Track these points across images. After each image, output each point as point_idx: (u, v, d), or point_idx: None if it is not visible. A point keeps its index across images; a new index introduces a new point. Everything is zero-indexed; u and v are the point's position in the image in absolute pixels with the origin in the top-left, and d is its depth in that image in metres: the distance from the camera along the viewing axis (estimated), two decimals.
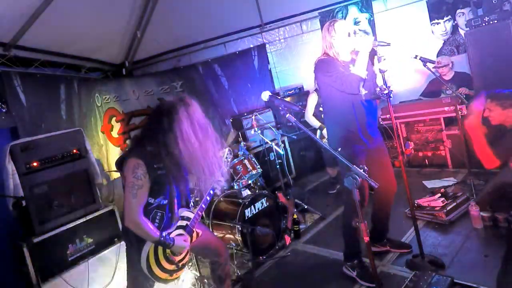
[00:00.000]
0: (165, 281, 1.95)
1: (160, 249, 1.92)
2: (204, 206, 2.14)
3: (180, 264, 2.02)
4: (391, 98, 2.56)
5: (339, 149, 2.44)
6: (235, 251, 3.17)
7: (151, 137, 1.89)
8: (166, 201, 1.95)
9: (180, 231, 2.01)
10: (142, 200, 1.83)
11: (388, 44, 2.46)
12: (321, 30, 5.32)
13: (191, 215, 2.08)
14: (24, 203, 2.79)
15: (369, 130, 2.59)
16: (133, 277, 1.99)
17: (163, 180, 1.91)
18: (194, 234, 2.09)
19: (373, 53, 2.57)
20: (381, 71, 2.54)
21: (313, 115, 4.25)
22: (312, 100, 4.25)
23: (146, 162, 1.83)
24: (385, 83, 2.58)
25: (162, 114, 1.88)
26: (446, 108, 4.28)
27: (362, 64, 2.42)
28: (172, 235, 1.92)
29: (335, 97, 2.54)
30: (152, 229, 1.84)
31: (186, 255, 2.06)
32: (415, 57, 3.29)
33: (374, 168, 2.57)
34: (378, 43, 2.42)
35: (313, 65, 2.62)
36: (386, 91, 2.51)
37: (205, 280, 2.82)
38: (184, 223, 2.04)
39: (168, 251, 1.95)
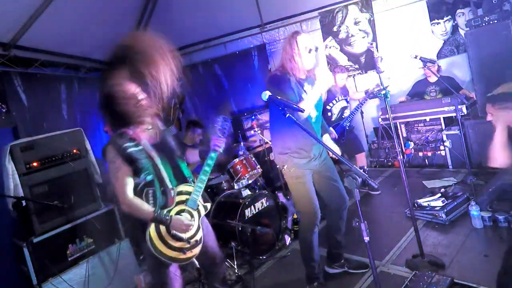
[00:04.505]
0: (178, 260, 1.91)
1: (163, 229, 1.88)
2: (204, 178, 2.01)
3: (192, 240, 1.95)
4: (388, 98, 2.56)
5: (285, 167, 2.41)
6: (235, 251, 3.17)
7: (112, 120, 1.94)
8: (151, 176, 1.91)
9: (181, 206, 1.96)
10: (125, 181, 1.85)
11: (344, 70, 2.27)
12: (321, 30, 5.40)
13: (191, 189, 2.01)
14: (24, 203, 2.79)
15: (315, 149, 2.43)
16: (148, 256, 1.96)
17: (138, 156, 1.88)
18: (201, 208, 2.03)
19: (371, 55, 2.56)
20: (378, 72, 2.55)
21: None
22: None
23: (114, 144, 1.87)
24: (381, 83, 2.59)
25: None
26: (446, 108, 4.28)
27: (313, 99, 2.26)
28: (173, 212, 1.90)
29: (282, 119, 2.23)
30: (146, 206, 1.85)
31: (198, 231, 2.00)
32: (415, 57, 3.31)
33: (324, 184, 2.53)
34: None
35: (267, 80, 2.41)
36: (383, 92, 2.51)
37: (205, 281, 2.82)
38: (184, 197, 1.98)
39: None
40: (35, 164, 2.90)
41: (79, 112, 4.54)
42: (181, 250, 1.92)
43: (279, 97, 2.07)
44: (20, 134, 3.57)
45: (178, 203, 1.96)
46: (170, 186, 1.96)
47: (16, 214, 2.85)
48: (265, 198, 3.43)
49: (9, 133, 3.57)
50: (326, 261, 2.80)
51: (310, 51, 2.32)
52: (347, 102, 4.30)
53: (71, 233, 3.01)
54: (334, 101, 4.22)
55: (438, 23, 4.82)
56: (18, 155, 2.82)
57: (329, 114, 4.21)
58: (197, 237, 2.00)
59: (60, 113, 4.29)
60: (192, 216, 1.99)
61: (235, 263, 3.04)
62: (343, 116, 4.23)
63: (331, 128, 3.99)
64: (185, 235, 1.93)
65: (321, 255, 2.88)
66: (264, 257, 3.21)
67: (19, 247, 2.78)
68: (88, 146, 3.34)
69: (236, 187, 3.55)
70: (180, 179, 2.03)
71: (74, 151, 3.18)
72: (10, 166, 2.80)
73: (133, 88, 1.91)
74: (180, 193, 1.99)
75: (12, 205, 2.84)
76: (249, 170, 3.60)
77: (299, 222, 2.73)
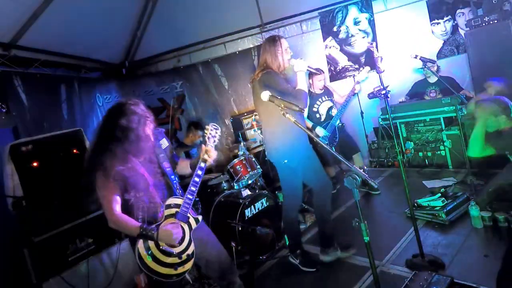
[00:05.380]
0: (169, 276, 1.87)
1: (152, 244, 1.86)
2: (193, 189, 2.01)
3: (183, 255, 1.92)
4: (388, 98, 2.57)
5: (285, 161, 2.70)
6: (235, 251, 3.17)
7: (105, 141, 1.92)
8: (142, 192, 1.90)
9: (171, 220, 1.93)
10: (112, 198, 1.83)
11: (320, 72, 2.87)
12: (321, 30, 5.39)
13: (180, 201, 1.98)
14: (24, 203, 2.79)
15: (306, 139, 2.80)
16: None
17: (125, 175, 1.87)
18: (192, 220, 2.01)
19: (371, 55, 2.66)
20: (378, 72, 2.55)
21: (307, 116, 4.28)
22: None
23: (102, 165, 1.85)
24: (382, 83, 2.59)
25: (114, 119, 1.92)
26: (446, 108, 4.28)
27: (304, 81, 2.68)
28: (162, 226, 1.88)
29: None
30: (133, 223, 1.83)
31: (189, 245, 1.97)
32: (415, 57, 3.31)
33: (310, 172, 2.84)
34: (309, 68, 2.70)
35: (255, 80, 2.67)
36: (383, 91, 2.52)
37: (205, 280, 2.82)
38: (173, 210, 1.95)
39: (162, 243, 1.88)
40: (35, 164, 2.90)
41: (79, 112, 4.54)
42: (172, 266, 1.88)
43: (279, 97, 2.08)
44: (20, 134, 3.58)
45: (167, 216, 1.93)
46: (159, 201, 1.94)
47: (16, 214, 2.85)
48: (265, 198, 3.43)
49: (9, 133, 3.58)
50: (320, 250, 2.97)
51: (290, 52, 2.73)
52: (332, 102, 4.32)
53: (71, 233, 3.01)
54: (318, 102, 4.26)
55: (438, 23, 4.81)
56: (18, 155, 2.82)
57: (318, 115, 4.26)
58: (189, 251, 1.95)
59: (60, 113, 4.30)
60: (182, 229, 1.95)
61: (235, 263, 3.04)
62: (331, 115, 4.25)
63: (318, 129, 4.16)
64: (175, 250, 1.90)
65: (316, 253, 2.98)
66: (264, 257, 3.21)
67: (19, 247, 2.78)
68: (88, 146, 3.34)
69: (236, 187, 3.55)
70: (170, 192, 2.02)
71: (74, 151, 3.18)
72: (10, 166, 2.80)
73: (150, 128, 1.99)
74: (168, 206, 1.95)
75: (12, 205, 2.84)
76: (249, 170, 3.60)
77: (282, 204, 3.07)
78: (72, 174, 3.12)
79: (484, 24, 3.97)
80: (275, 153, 2.78)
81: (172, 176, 2.10)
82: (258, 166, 3.73)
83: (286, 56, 2.71)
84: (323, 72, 4.45)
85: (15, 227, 2.96)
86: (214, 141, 2.12)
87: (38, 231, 2.83)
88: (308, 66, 2.67)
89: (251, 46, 5.74)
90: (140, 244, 1.85)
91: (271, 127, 2.74)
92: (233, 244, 3.06)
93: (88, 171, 1.87)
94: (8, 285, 3.05)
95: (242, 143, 4.10)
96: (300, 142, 2.72)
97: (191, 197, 1.98)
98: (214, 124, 2.16)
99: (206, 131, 2.12)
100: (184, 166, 2.21)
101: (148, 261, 1.84)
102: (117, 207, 1.84)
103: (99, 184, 1.84)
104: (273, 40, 2.71)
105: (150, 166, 1.98)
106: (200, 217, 2.06)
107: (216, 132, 2.15)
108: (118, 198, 1.86)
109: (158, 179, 1.99)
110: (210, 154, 2.05)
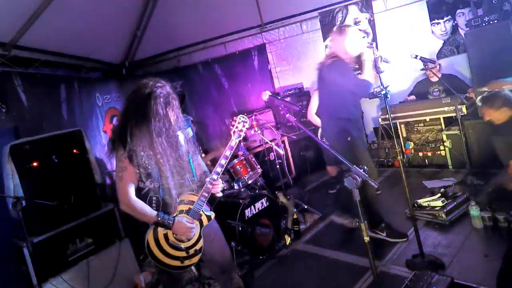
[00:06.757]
0: (174, 267, 1.89)
1: (161, 237, 1.86)
2: (210, 186, 1.93)
3: (191, 250, 1.92)
4: (388, 98, 2.58)
5: (349, 138, 2.84)
6: (235, 251, 3.17)
7: (130, 120, 1.86)
8: (158, 183, 1.87)
9: (183, 215, 1.90)
10: (128, 182, 1.82)
11: (387, 61, 2.79)
12: (321, 30, 5.39)
13: (194, 198, 1.93)
14: (24, 203, 2.78)
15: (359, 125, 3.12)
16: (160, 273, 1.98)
17: (147, 162, 1.84)
18: (204, 218, 1.97)
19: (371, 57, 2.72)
20: (378, 72, 2.56)
21: (316, 114, 4.25)
22: (316, 99, 4.25)
23: (124, 144, 1.81)
24: (382, 83, 2.60)
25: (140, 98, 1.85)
26: (446, 108, 4.28)
27: (370, 71, 2.77)
28: (179, 219, 1.86)
29: (342, 97, 2.84)
30: (148, 209, 1.82)
31: (198, 241, 1.95)
32: (415, 57, 3.31)
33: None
34: (380, 57, 2.72)
35: (323, 65, 2.87)
36: (383, 92, 2.52)
37: (205, 280, 2.82)
38: (186, 207, 1.92)
39: (171, 237, 1.87)
40: (35, 164, 2.90)
41: (79, 112, 4.54)
42: (178, 258, 1.90)
43: (279, 97, 2.09)
44: (20, 134, 3.57)
45: (180, 212, 1.92)
46: (175, 196, 1.91)
47: (16, 214, 2.85)
48: (265, 198, 3.43)
49: (9, 133, 3.57)
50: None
51: (361, 38, 2.91)
52: None
53: (71, 233, 3.01)
54: None
55: (438, 23, 4.82)
56: (18, 155, 2.82)
57: None
58: (197, 247, 1.95)
59: (60, 113, 4.29)
60: None
61: (235, 263, 3.04)
62: None
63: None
64: (183, 245, 1.90)
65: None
66: (264, 257, 3.21)
67: (19, 247, 2.78)
68: (88, 146, 3.35)
69: (236, 187, 3.55)
70: (184, 186, 1.96)
71: (74, 151, 3.18)
72: (10, 166, 2.80)
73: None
74: (182, 202, 1.93)
75: (12, 205, 2.83)
76: (249, 170, 3.60)
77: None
78: (72, 174, 3.14)
79: (484, 24, 3.97)
80: (336, 130, 2.93)
81: (191, 169, 2.03)
82: (258, 166, 3.73)
83: (354, 45, 2.83)
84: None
85: (15, 227, 2.96)
86: (239, 135, 1.99)
87: (38, 231, 2.83)
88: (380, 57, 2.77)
89: (251, 46, 5.75)
90: (150, 235, 1.85)
91: (330, 108, 2.96)
92: (233, 244, 3.06)
93: (112, 149, 1.86)
94: (8, 286, 3.05)
95: (242, 143, 4.09)
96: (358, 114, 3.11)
97: (206, 194, 1.94)
98: (243, 115, 2.01)
99: (233, 123, 2.00)
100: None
101: (156, 251, 1.85)
102: (132, 191, 1.84)
103: (119, 164, 1.83)
104: (340, 30, 2.87)
105: (171, 155, 1.90)
106: (212, 215, 2.03)
107: (244, 125, 1.99)
108: (134, 183, 1.86)
109: (177, 170, 1.93)
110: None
